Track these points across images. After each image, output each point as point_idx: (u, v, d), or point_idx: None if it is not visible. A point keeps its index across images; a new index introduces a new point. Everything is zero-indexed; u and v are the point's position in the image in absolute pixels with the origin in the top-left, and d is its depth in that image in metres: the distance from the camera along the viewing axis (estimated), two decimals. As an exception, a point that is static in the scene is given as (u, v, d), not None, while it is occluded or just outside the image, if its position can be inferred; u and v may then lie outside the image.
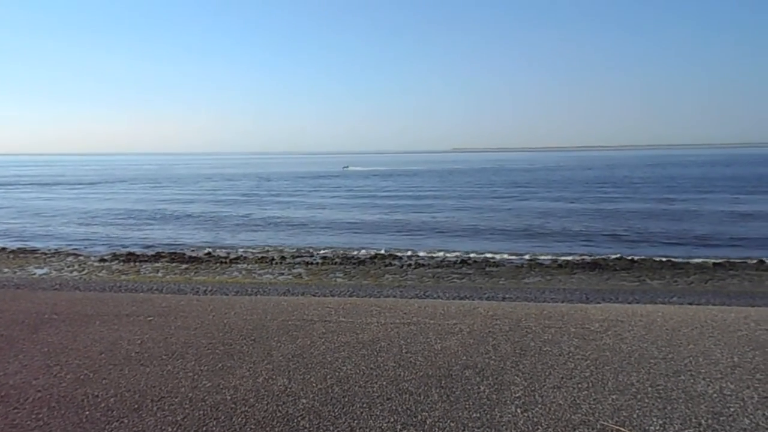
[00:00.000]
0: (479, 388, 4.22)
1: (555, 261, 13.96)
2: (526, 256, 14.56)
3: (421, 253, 15.13)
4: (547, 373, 4.48)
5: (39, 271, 12.83)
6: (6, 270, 12.92)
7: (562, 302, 8.77)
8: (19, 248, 16.04)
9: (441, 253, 15.01)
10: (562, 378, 4.39)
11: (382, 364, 4.70)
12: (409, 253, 15.18)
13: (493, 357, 4.86)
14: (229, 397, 4.07)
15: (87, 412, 3.82)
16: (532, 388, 4.20)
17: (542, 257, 14.43)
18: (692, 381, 4.36)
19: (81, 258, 14.58)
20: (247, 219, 23.69)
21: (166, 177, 68.12)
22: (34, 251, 15.57)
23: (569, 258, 14.24)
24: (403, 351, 5.03)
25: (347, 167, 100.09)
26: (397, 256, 14.84)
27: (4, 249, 15.87)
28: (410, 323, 5.94)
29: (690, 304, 8.34)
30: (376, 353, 4.98)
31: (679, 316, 6.32)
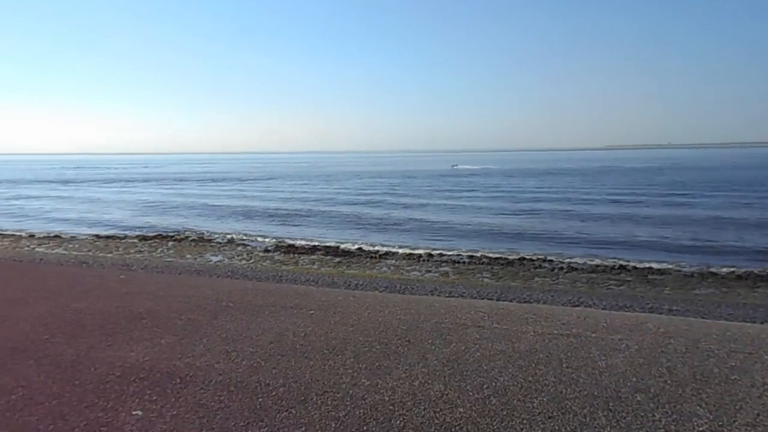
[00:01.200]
0: (654, 415, 3.84)
1: (732, 271, 12.40)
2: (695, 266, 13.11)
3: (574, 258, 14.32)
4: (737, 407, 3.94)
5: (214, 259, 14.34)
6: (189, 256, 14.63)
7: (746, 321, 7.74)
8: (199, 237, 18.10)
9: (596, 259, 14.08)
10: (758, 414, 3.83)
11: (541, 378, 4.48)
12: (558, 257, 14.44)
13: (669, 381, 4.40)
14: (387, 399, 4.14)
15: (260, 400, 4.13)
16: (720, 423, 3.71)
17: (715, 267, 12.89)
18: None
19: (248, 248, 16.05)
20: (390, 218, 24.20)
21: (310, 175, 72.58)
22: (210, 240, 17.47)
23: (749, 268, 12.56)
24: (564, 365, 4.75)
25: (456, 166, 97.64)
26: (547, 258, 14.22)
27: (186, 237, 18.03)
28: (569, 335, 5.61)
29: None
30: (534, 365, 4.76)
31: None
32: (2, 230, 20.62)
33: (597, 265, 13.37)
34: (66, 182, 58.21)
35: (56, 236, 18.88)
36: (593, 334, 5.62)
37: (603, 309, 8.60)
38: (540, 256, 14.40)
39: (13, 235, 19.44)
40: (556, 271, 12.99)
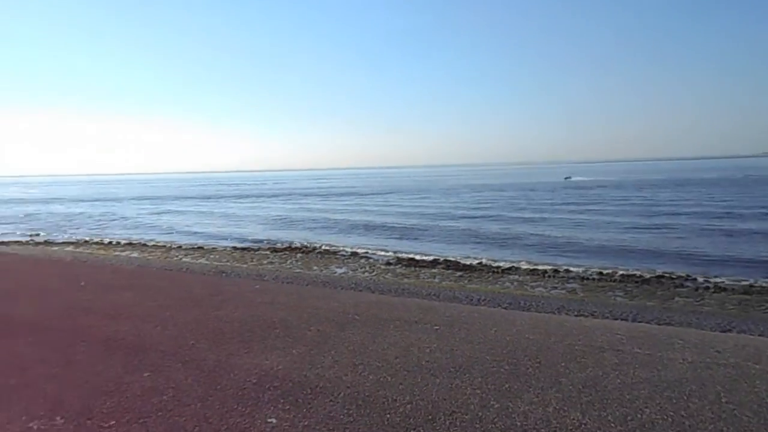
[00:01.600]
0: (843, 468, 3.26)
1: None
2: None
3: (721, 278, 12.91)
4: None
5: (339, 271, 14.80)
6: (315, 268, 15.26)
7: None
8: (324, 249, 18.85)
9: (749, 279, 12.57)
10: None
11: (695, 413, 4.01)
12: (702, 276, 13.08)
13: None
14: (519, 424, 3.93)
15: (388, 416, 4.10)
16: None
17: None
18: None
19: (371, 261, 16.39)
20: (510, 232, 23.47)
21: (427, 189, 72.77)
22: (334, 253, 18.11)
23: None
24: (722, 400, 4.22)
25: (569, 178, 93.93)
26: (689, 277, 12.97)
27: (313, 250, 18.85)
28: (726, 365, 4.99)
29: None
30: (685, 398, 4.28)
31: None
32: (156, 242, 22.98)
33: (750, 286, 11.94)
34: (206, 198, 63.76)
35: (199, 247, 20.65)
36: (756, 366, 4.96)
37: (761, 336, 7.63)
38: (680, 275, 13.17)
39: (164, 246, 21.58)
40: (700, 291, 11.78)
